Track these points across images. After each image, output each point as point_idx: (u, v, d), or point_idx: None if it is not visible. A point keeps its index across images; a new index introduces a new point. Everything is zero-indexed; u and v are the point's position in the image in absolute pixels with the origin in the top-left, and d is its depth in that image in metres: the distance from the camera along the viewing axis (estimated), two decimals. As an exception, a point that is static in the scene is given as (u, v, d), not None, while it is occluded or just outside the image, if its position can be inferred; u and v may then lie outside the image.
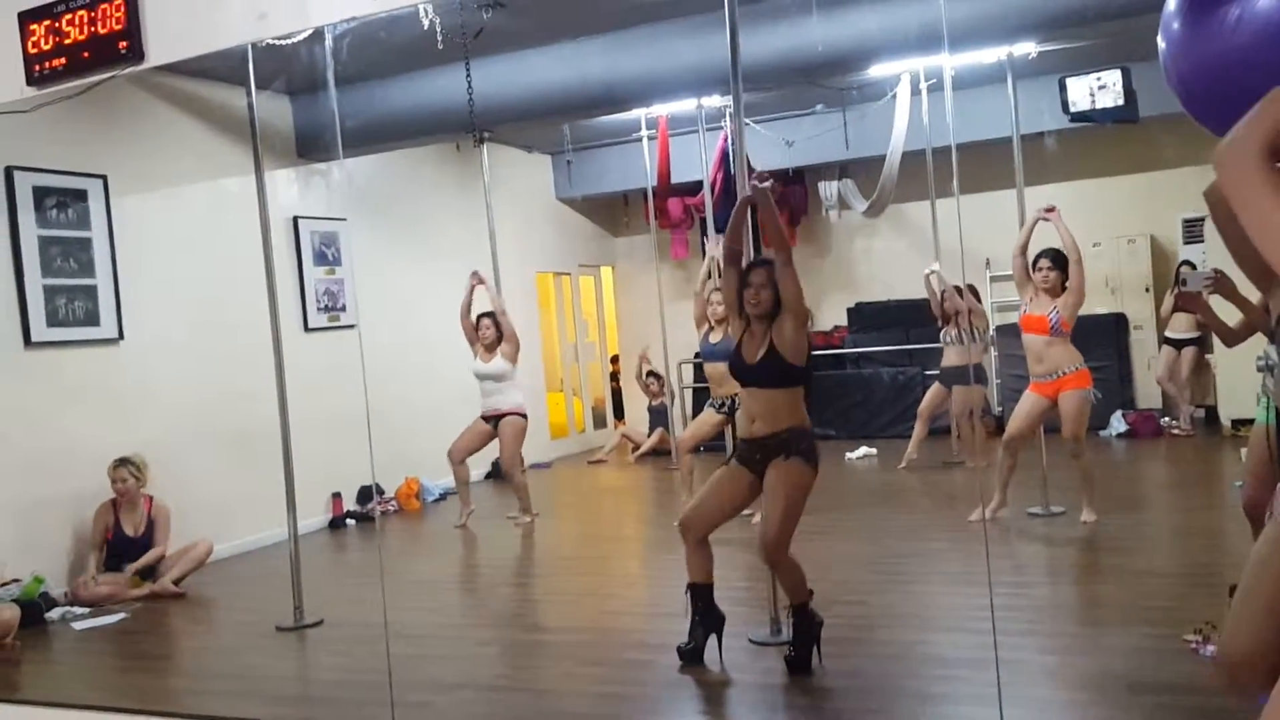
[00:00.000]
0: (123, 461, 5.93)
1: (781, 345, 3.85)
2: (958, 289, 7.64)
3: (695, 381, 10.52)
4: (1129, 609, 4.38)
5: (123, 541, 5.93)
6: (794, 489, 3.84)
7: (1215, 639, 3.67)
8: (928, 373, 9.00)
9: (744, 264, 4.08)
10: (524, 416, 7.25)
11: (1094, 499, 5.77)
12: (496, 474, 9.09)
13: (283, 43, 3.83)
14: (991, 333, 9.05)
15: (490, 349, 7.18)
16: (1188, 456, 8.16)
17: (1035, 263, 5.83)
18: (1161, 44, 2.89)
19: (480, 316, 7.22)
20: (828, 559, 5.58)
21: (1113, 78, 6.55)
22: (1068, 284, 5.72)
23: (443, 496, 8.45)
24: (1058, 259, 5.77)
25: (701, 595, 4.03)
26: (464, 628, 5.22)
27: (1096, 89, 6.56)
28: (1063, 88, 6.81)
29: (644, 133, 8.72)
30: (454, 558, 6.83)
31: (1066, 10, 5.62)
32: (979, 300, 7.72)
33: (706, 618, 4.03)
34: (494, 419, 7.16)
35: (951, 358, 7.72)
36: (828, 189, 10.30)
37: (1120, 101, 6.55)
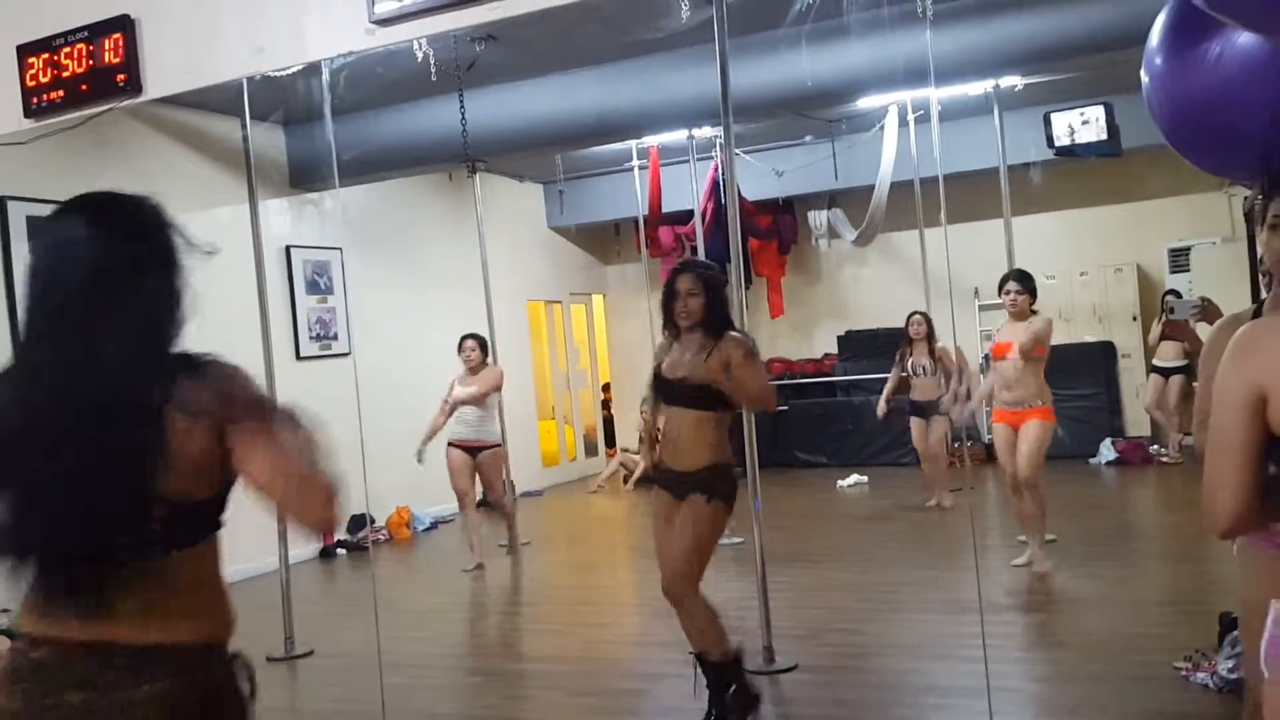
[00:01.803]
0: None
1: (709, 368, 3.53)
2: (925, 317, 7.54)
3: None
4: (1119, 636, 4.39)
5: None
6: (708, 529, 3.59)
7: (1205, 666, 3.69)
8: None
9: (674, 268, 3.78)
10: (502, 445, 7.02)
11: (1043, 543, 5.49)
12: (487, 503, 9.07)
13: (279, 74, 3.87)
14: (981, 359, 9.09)
15: (474, 373, 6.84)
16: (1176, 484, 8.19)
17: (1002, 285, 5.66)
18: (1145, 78, 2.95)
19: (465, 338, 6.91)
20: (820, 587, 5.59)
21: (1096, 113, 6.65)
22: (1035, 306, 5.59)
23: (433, 525, 8.43)
24: (1025, 280, 5.59)
25: (732, 672, 3.56)
26: (456, 658, 5.20)
27: (1080, 124, 6.66)
28: (1047, 122, 6.92)
29: (635, 163, 8.80)
30: (446, 587, 6.80)
31: (1051, 45, 5.72)
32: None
33: (742, 698, 3.53)
34: (475, 450, 6.81)
35: (926, 390, 7.52)
36: (817, 218, 10.39)
37: (1103, 136, 6.65)
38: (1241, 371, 1.52)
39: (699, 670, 3.58)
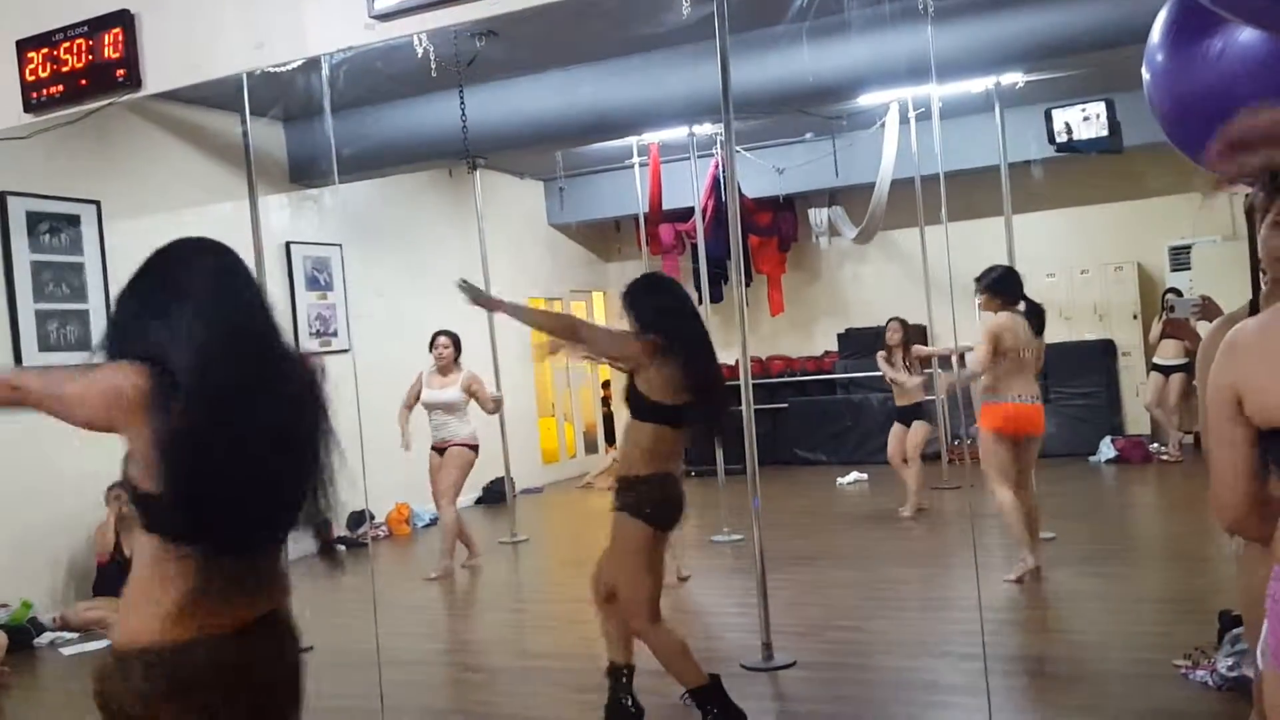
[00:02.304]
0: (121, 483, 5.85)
1: (640, 375, 3.51)
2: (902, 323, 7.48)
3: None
4: (1118, 634, 4.39)
5: (125, 564, 5.89)
6: (625, 545, 3.47)
7: (1205, 664, 3.69)
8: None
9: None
10: (474, 449, 6.67)
11: (1023, 546, 5.30)
12: (487, 499, 9.09)
13: (279, 70, 3.86)
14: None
15: (444, 372, 6.63)
16: (1176, 482, 8.19)
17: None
18: (1146, 75, 2.95)
19: (438, 334, 6.70)
20: (819, 584, 5.58)
21: (1097, 109, 6.64)
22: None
23: (433, 521, 8.41)
24: (992, 282, 5.47)
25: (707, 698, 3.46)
26: (455, 653, 5.20)
27: (1081, 121, 6.64)
28: (1048, 119, 6.89)
29: (636, 159, 8.79)
30: (445, 583, 6.80)
31: (1053, 41, 5.71)
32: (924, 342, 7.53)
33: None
34: (444, 450, 6.66)
35: (905, 395, 7.42)
36: (818, 216, 10.39)
37: (1105, 132, 6.63)
38: (1222, 371, 1.63)
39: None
